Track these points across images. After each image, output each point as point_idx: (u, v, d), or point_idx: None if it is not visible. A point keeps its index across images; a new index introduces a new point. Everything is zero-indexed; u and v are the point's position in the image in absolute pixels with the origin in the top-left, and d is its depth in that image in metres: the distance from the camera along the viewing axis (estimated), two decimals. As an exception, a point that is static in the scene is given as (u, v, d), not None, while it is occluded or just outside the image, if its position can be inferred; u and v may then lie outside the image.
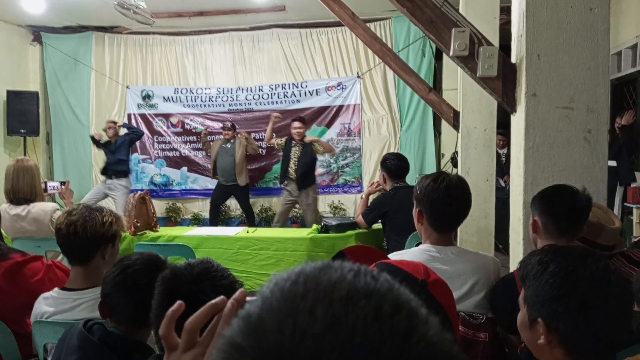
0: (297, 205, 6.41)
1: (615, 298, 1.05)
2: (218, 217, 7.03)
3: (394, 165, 4.05)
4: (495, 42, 3.64)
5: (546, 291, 1.08)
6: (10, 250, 2.24)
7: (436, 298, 1.06)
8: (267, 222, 7.47)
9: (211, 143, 7.12)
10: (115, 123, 6.78)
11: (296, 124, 6.14)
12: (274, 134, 6.73)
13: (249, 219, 6.91)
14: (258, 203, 7.58)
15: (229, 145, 6.82)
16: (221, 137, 7.14)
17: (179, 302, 0.82)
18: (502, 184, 5.58)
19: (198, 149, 7.80)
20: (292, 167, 6.11)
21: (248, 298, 0.65)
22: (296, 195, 6.12)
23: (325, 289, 0.41)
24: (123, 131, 6.79)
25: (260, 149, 7.42)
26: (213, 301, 0.78)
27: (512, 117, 2.23)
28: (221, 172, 6.80)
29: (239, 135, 7.00)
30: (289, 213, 6.46)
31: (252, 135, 7.49)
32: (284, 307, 0.40)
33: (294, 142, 6.17)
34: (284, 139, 6.34)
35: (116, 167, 6.58)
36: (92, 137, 6.84)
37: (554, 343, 1.08)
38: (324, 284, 0.41)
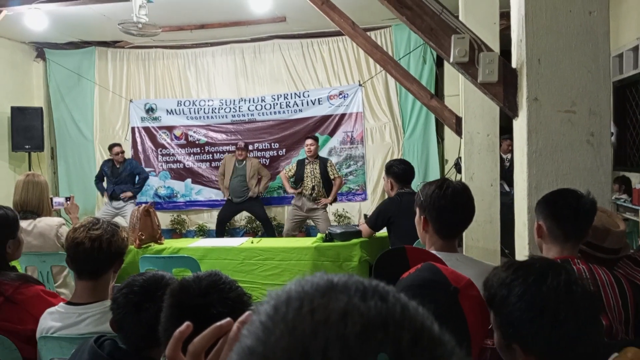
0: (308, 220, 6.37)
1: (583, 309, 1.05)
2: (223, 232, 7.02)
3: (401, 169, 4.04)
4: (496, 47, 3.65)
5: (516, 317, 1.08)
6: (32, 281, 2.24)
7: (463, 310, 1.05)
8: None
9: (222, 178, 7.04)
10: (121, 146, 6.82)
11: (309, 141, 6.15)
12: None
13: (269, 231, 6.88)
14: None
15: (241, 165, 6.82)
16: (230, 153, 7.18)
17: (186, 323, 0.81)
18: (507, 188, 5.56)
19: (202, 161, 7.83)
20: (310, 184, 6.06)
21: None
22: (307, 210, 6.09)
23: (336, 323, 0.37)
24: (127, 152, 6.86)
25: (264, 159, 7.47)
26: (218, 323, 0.76)
27: (514, 122, 2.23)
28: (233, 190, 6.79)
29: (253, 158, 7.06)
30: (299, 228, 6.41)
31: (256, 145, 7.52)
32: (293, 346, 0.36)
33: (307, 160, 6.15)
34: (293, 169, 6.27)
35: (123, 188, 6.70)
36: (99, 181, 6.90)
37: None
38: (334, 316, 0.37)
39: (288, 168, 6.44)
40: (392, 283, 1.16)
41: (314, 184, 6.05)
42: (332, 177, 6.13)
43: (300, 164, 6.20)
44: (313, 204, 6.05)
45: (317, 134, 7.11)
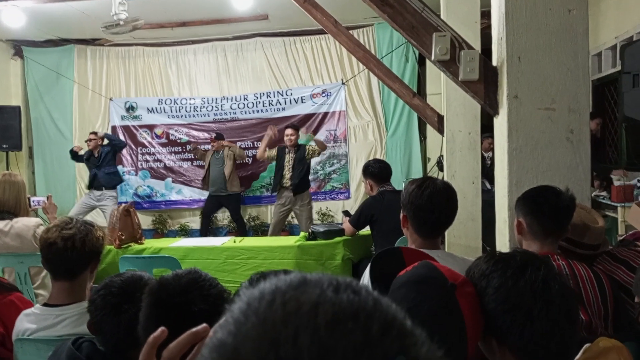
0: (292, 214, 6.34)
1: (558, 306, 1.06)
2: (208, 228, 7.01)
3: (377, 168, 4.09)
4: (477, 46, 3.66)
5: (491, 308, 1.09)
6: (9, 288, 2.20)
7: (460, 306, 1.07)
8: (255, 231, 7.45)
9: (204, 152, 7.12)
10: (96, 134, 6.74)
11: (289, 130, 6.11)
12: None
13: (240, 229, 6.89)
14: (246, 212, 7.55)
15: (217, 156, 6.84)
16: (213, 144, 7.18)
17: (161, 328, 0.79)
18: (488, 186, 5.61)
19: (183, 160, 7.77)
20: (287, 174, 6.03)
21: None
22: (290, 203, 6.07)
23: (307, 313, 0.37)
24: (106, 141, 6.76)
25: (247, 158, 7.47)
26: (194, 329, 0.75)
27: (494, 119, 2.24)
28: (212, 182, 6.83)
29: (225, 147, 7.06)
30: (284, 223, 6.38)
31: (239, 143, 7.47)
32: (263, 335, 0.36)
33: (287, 149, 6.11)
34: (274, 150, 6.26)
35: (108, 179, 6.58)
36: (72, 151, 6.76)
37: (507, 356, 1.09)
38: (305, 306, 0.38)
39: (271, 154, 6.32)
40: (389, 282, 1.17)
41: (291, 173, 6.02)
42: (310, 151, 6.11)
43: (281, 151, 6.15)
44: (290, 193, 6.02)
45: (300, 132, 7.09)
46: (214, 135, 7.01)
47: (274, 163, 6.51)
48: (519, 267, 1.10)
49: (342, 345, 0.35)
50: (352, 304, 0.38)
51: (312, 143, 6.20)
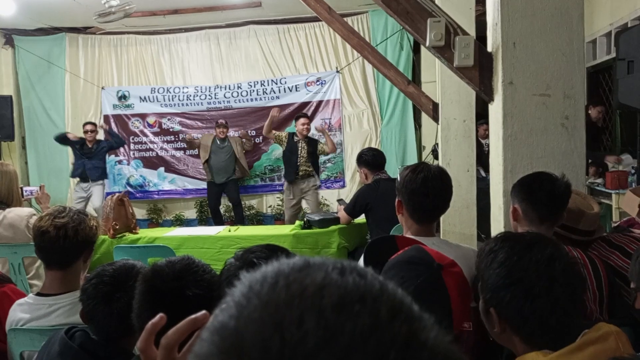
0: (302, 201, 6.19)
1: (561, 285, 1.06)
2: (222, 219, 6.99)
3: (371, 156, 4.10)
4: (472, 33, 3.64)
5: (494, 281, 1.11)
6: (2, 279, 2.19)
7: (446, 286, 1.11)
8: (250, 220, 7.43)
9: (196, 140, 7.04)
10: (95, 125, 6.70)
11: (304, 119, 5.99)
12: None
13: (238, 214, 6.86)
14: (242, 202, 7.53)
15: (224, 144, 6.77)
16: (206, 132, 7.11)
17: (160, 315, 0.78)
18: (483, 174, 5.61)
19: (176, 149, 7.72)
20: (304, 163, 5.90)
21: None
22: (298, 193, 5.98)
23: (312, 295, 0.36)
24: (101, 133, 6.74)
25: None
26: (193, 316, 0.73)
27: (490, 106, 2.23)
28: (216, 170, 6.73)
29: (238, 135, 7.06)
30: (298, 215, 6.12)
31: (232, 132, 7.43)
32: (267, 318, 0.35)
33: (296, 138, 5.97)
34: (283, 133, 6.12)
35: (95, 173, 6.61)
36: (66, 137, 6.71)
37: (507, 331, 1.10)
38: (310, 289, 0.36)
39: (279, 135, 6.12)
40: (382, 266, 1.21)
41: (299, 162, 5.91)
42: (321, 148, 6.06)
43: (292, 139, 5.98)
44: (303, 184, 5.95)
45: (294, 121, 7.04)
46: (223, 122, 6.87)
47: (270, 154, 6.44)
48: (527, 245, 1.11)
49: (350, 328, 0.34)
50: (358, 287, 0.37)
51: (323, 140, 6.14)
